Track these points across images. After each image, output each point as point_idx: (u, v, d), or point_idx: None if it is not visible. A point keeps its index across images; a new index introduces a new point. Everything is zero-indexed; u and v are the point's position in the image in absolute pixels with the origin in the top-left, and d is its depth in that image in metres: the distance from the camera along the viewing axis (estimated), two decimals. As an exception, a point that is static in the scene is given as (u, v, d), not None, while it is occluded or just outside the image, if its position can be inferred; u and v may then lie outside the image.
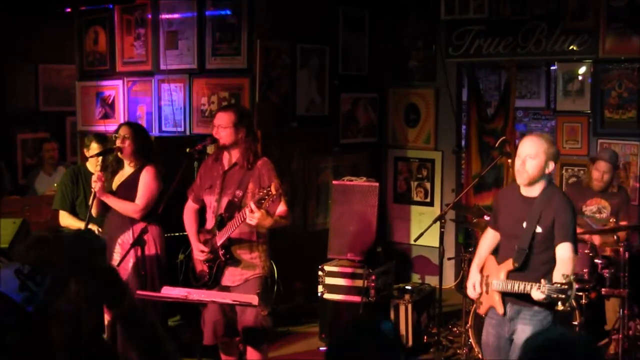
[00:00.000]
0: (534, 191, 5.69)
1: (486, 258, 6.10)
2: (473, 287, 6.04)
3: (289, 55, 9.63)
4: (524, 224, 5.66)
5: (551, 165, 5.63)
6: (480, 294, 6.02)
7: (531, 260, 5.66)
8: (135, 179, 7.13)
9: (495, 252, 6.13)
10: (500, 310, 5.78)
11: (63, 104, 12.08)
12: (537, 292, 5.28)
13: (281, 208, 6.33)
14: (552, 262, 5.53)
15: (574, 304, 7.48)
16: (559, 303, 5.16)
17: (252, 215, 5.97)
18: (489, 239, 6.18)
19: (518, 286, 5.54)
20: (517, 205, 5.79)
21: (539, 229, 5.60)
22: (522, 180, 5.67)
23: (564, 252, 5.53)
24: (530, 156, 5.58)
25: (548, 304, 5.53)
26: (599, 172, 8.35)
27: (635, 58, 9.61)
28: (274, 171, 6.41)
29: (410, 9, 11.08)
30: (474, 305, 7.19)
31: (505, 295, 5.78)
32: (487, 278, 5.95)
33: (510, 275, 5.70)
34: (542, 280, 5.28)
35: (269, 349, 6.98)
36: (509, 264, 5.72)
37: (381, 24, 11.08)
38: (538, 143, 5.62)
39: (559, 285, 5.15)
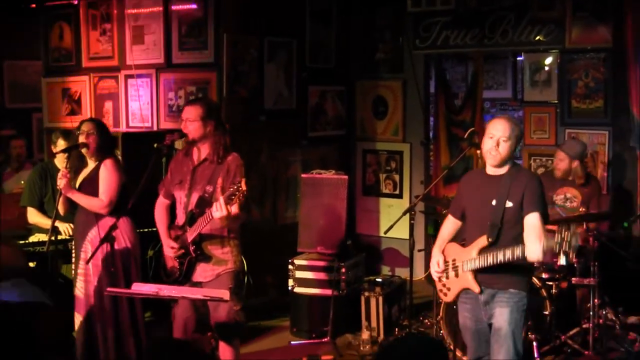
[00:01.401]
0: (501, 170, 5.81)
1: (447, 243, 6.13)
2: (437, 264, 6.04)
3: (256, 48, 9.55)
4: (494, 202, 5.74)
5: (518, 147, 5.91)
6: (446, 277, 6.04)
7: (502, 235, 5.69)
8: (96, 174, 7.06)
9: (454, 240, 6.19)
10: (477, 289, 5.78)
11: (29, 101, 11.88)
12: (534, 249, 5.29)
13: (235, 208, 6.18)
14: (522, 235, 5.57)
15: (545, 293, 7.54)
16: (562, 252, 5.15)
17: (220, 211, 5.88)
18: (449, 225, 6.23)
19: (503, 255, 5.53)
20: (484, 185, 5.88)
21: (509, 204, 5.68)
22: (494, 162, 5.78)
23: (532, 220, 5.59)
24: (503, 139, 5.71)
25: (523, 285, 5.72)
26: (555, 160, 8.44)
27: (601, 48, 9.63)
28: (242, 167, 6.32)
29: (377, 1, 11.03)
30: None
31: (477, 278, 5.79)
32: (454, 262, 5.96)
33: (483, 251, 5.71)
34: (542, 240, 5.32)
35: (240, 343, 6.92)
36: (481, 242, 5.73)
37: (348, 16, 11.05)
38: (510, 126, 5.76)
39: (559, 238, 5.15)
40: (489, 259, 5.62)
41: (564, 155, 8.40)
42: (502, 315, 5.71)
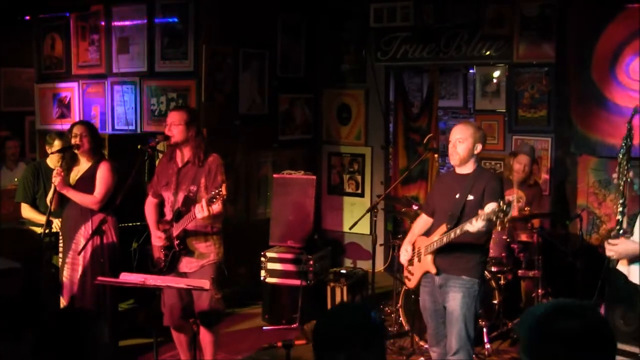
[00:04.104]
0: (467, 169, 5.95)
1: (417, 237, 6.24)
2: (405, 251, 6.18)
3: (232, 59, 9.59)
4: (457, 195, 5.87)
5: (479, 147, 5.92)
6: (411, 264, 6.16)
7: (460, 224, 5.74)
8: (93, 173, 7.13)
9: (426, 235, 6.24)
10: (434, 270, 5.91)
11: (22, 105, 11.86)
12: (476, 223, 5.34)
13: (217, 207, 6.18)
14: None
15: (494, 284, 7.60)
16: (498, 221, 5.20)
17: (202, 212, 5.92)
18: (421, 222, 6.34)
19: (454, 233, 5.64)
20: (452, 182, 6.02)
21: (470, 197, 5.80)
22: (454, 161, 5.95)
23: (490, 206, 5.55)
24: (459, 140, 5.88)
25: (476, 272, 5.83)
26: (521, 165, 8.46)
27: (545, 63, 9.73)
28: (222, 167, 6.38)
29: (343, 17, 11.07)
30: (404, 287, 7.30)
31: (436, 262, 5.90)
32: (419, 250, 6.11)
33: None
34: (479, 211, 5.38)
35: (217, 329, 6.95)
36: (441, 230, 5.87)
37: (316, 30, 11.08)
38: (465, 129, 5.95)
39: (496, 207, 5.20)
40: (444, 239, 5.74)
41: (528, 159, 8.45)
42: (455, 300, 5.84)
